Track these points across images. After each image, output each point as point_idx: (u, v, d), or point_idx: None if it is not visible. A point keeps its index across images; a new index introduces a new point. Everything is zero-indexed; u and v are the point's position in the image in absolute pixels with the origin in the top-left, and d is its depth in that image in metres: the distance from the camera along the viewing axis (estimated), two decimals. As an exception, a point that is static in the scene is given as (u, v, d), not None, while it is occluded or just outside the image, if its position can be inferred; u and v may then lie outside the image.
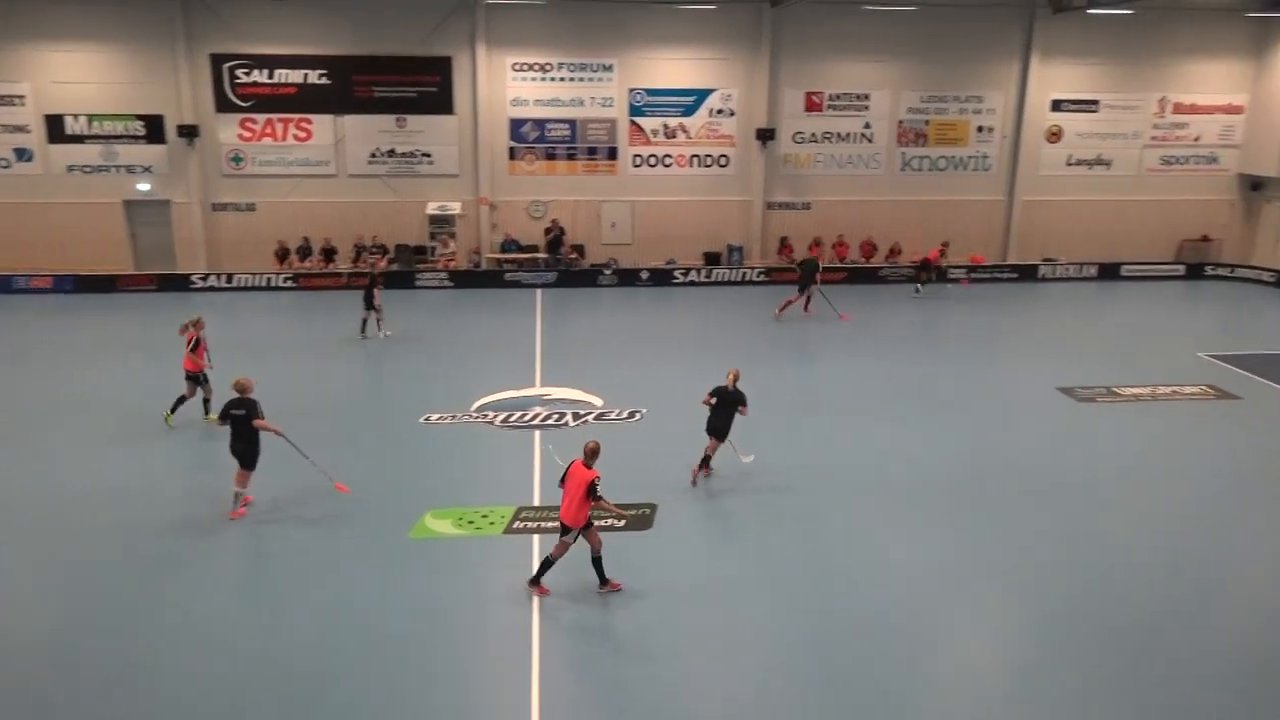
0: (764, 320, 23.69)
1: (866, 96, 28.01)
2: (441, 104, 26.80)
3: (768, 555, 11.31)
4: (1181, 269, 29.15)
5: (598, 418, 15.85)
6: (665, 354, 20.00)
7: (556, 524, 10.69)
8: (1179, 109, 29.08)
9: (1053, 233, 29.33)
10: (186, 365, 15.20)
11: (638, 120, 27.50)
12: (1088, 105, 28.79)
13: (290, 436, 12.08)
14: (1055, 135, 28.95)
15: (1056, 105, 28.72)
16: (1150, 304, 25.77)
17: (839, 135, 28.25)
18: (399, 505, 12.41)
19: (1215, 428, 15.92)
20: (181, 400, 15.31)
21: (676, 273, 27.45)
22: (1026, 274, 28.47)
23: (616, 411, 16.17)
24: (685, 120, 27.67)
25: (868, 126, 28.28)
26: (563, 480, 10.16)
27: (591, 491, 9.80)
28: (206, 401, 15.41)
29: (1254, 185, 29.56)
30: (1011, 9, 27.54)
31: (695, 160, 27.99)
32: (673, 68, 27.25)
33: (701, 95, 27.56)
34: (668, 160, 27.87)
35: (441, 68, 26.58)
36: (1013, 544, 11.65)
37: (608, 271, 27.17)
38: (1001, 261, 29.05)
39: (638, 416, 15.99)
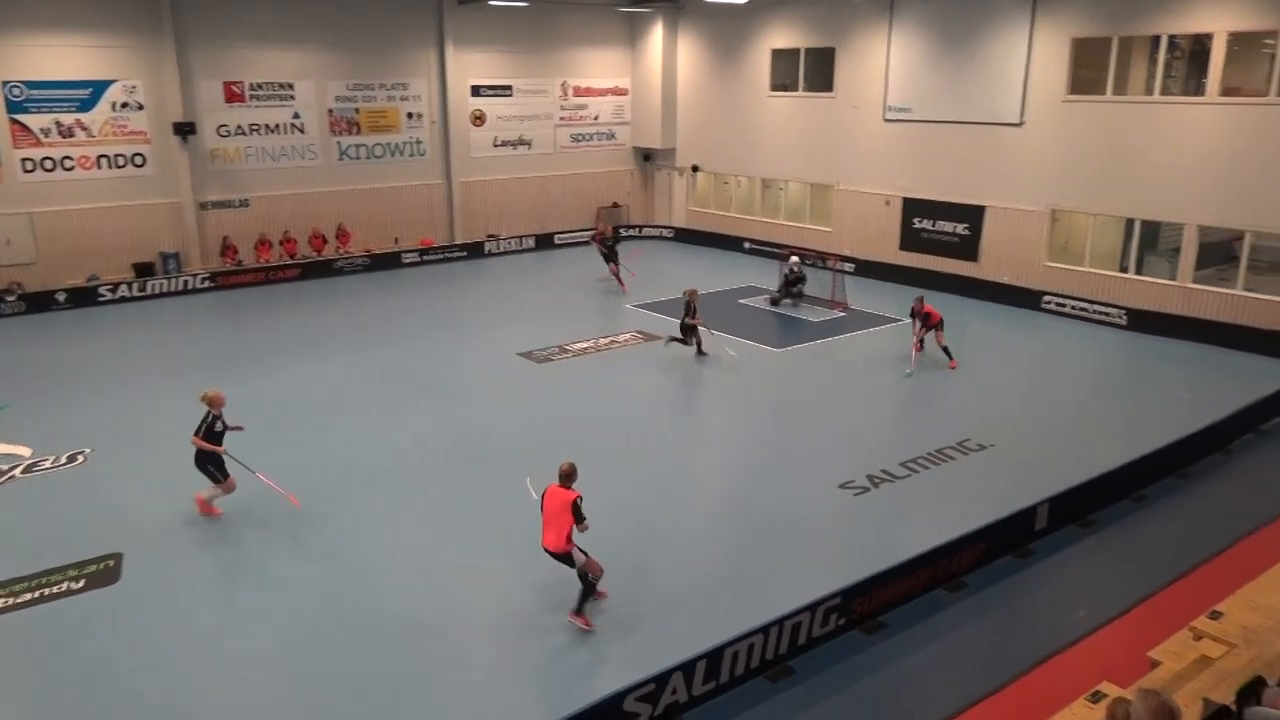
0: (215, 328, 22.07)
1: (291, 86, 27.11)
2: None
3: (273, 581, 10.69)
4: (602, 233, 33.09)
5: (27, 470, 13.49)
6: (102, 384, 17.58)
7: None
8: (578, 92, 32.72)
9: (492, 210, 31.38)
10: None
11: (21, 118, 23.45)
12: (502, 90, 31.07)
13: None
14: (479, 119, 30.83)
15: (476, 91, 30.55)
16: (582, 266, 28.84)
17: (268, 127, 27.01)
18: None
19: (650, 365, 18.51)
20: None
21: (103, 290, 24.15)
22: (474, 251, 30.09)
23: (52, 458, 13.91)
24: (84, 116, 24.27)
25: (297, 117, 27.43)
26: (541, 509, 9.57)
27: (577, 511, 9.29)
28: None
29: (646, 156, 34.53)
30: (421, -2, 28.61)
31: (104, 161, 24.76)
32: (58, 57, 23.64)
33: (100, 87, 24.38)
34: (69, 163, 24.26)
35: None
36: (514, 503, 12.44)
37: (10, 298, 23.00)
38: (450, 242, 30.34)
39: (80, 459, 13.94)
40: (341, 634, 9.58)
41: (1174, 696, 5.56)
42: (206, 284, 25.42)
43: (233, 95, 26.31)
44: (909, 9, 25.53)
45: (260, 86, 26.69)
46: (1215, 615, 8.40)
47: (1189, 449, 13.42)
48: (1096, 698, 7.17)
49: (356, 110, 28.40)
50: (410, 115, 29.44)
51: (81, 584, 10.45)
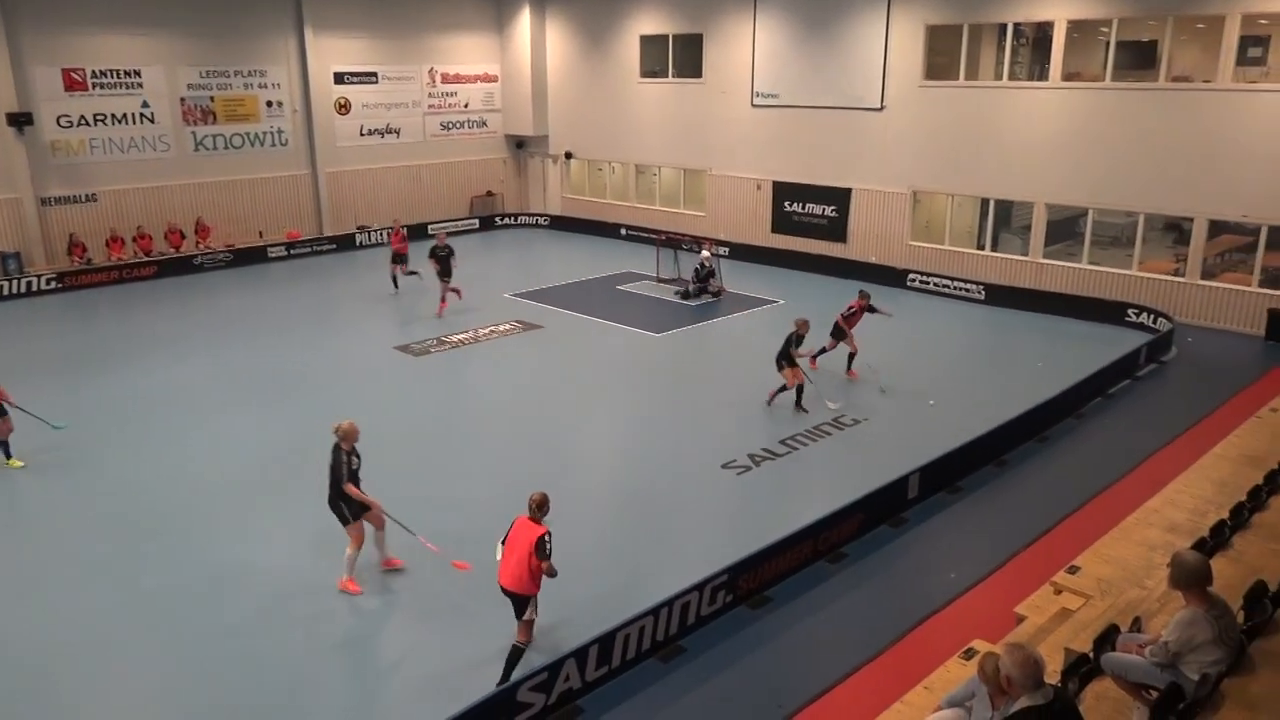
0: (64, 332, 20.78)
1: (138, 73, 25.64)
2: None
3: (135, 601, 10.17)
4: (476, 222, 32.59)
5: None
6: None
7: None
8: (447, 79, 32.09)
9: (361, 201, 30.52)
10: None
11: None
12: (367, 77, 30.20)
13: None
14: (344, 107, 29.89)
15: (340, 78, 29.59)
16: (459, 256, 28.40)
17: (114, 117, 25.48)
18: None
19: (531, 354, 18.41)
20: None
21: (-66, 294, 22.43)
22: (344, 244, 29.21)
23: (-117, 479, 12.87)
24: (-98, 107, 22.46)
25: (146, 105, 25.97)
26: (504, 540, 8.51)
27: (540, 549, 8.18)
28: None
29: (519, 144, 34.19)
30: (276, -18, 27.47)
31: (-71, 155, 22.97)
32: None
33: (-81, 76, 22.57)
34: (-112, 158, 22.40)
35: None
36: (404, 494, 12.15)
37: None
38: (319, 234, 29.36)
39: (-83, 478, 12.96)
40: (208, 644, 9.20)
41: (1038, 648, 5.90)
42: (54, 285, 23.84)
43: (74, 83, 24.70)
44: (773, -4, 26.05)
45: (104, 74, 25.15)
46: (1073, 570, 8.94)
47: (1045, 415, 14.24)
48: (969, 654, 7.54)
49: (211, 99, 27.10)
50: (270, 103, 28.29)
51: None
